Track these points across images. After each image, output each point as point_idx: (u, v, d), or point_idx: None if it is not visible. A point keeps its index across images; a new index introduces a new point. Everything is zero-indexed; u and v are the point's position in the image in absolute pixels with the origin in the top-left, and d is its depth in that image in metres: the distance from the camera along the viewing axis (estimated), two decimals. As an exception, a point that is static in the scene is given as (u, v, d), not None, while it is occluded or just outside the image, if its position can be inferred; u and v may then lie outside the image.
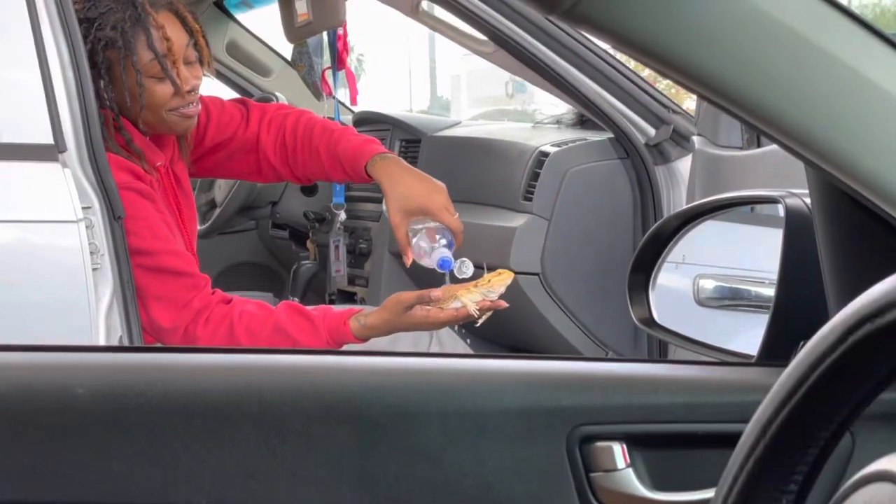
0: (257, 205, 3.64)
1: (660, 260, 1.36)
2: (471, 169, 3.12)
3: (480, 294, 2.00)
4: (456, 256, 2.10)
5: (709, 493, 1.13)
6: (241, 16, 3.96)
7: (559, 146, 2.93)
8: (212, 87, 3.95)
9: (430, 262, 2.08)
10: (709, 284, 1.51)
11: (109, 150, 2.12)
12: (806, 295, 1.12)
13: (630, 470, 1.16)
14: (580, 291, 2.90)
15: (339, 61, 3.42)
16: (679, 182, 2.83)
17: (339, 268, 3.34)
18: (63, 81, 2.10)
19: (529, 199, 2.89)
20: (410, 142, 3.39)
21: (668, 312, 1.37)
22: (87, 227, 2.07)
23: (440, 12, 3.08)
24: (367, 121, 3.59)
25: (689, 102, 3.16)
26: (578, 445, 1.16)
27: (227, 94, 3.81)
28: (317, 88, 3.57)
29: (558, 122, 3.22)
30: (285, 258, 3.87)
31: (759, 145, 2.41)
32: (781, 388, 0.68)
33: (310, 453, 1.18)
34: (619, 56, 2.81)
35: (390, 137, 3.43)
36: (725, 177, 2.47)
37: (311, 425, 1.18)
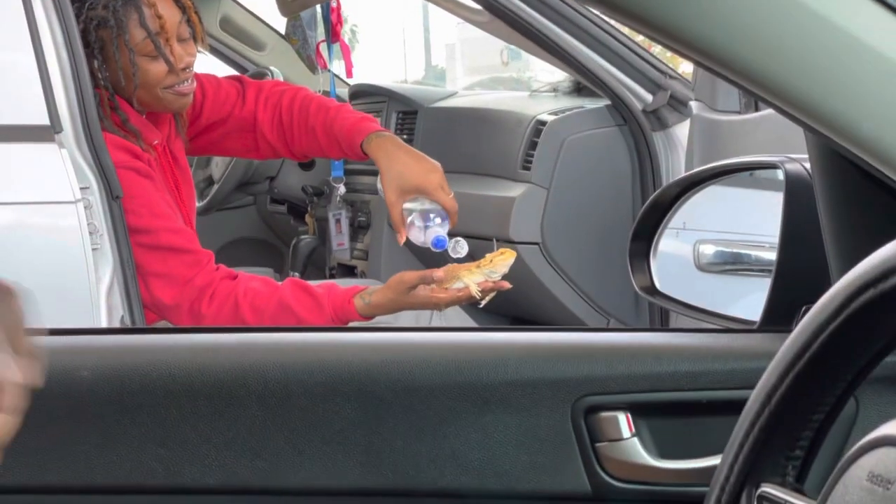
0: (255, 180, 3.63)
1: (660, 227, 1.36)
2: (468, 140, 3.11)
3: (483, 275, 2.00)
4: (455, 229, 2.10)
5: (714, 461, 1.13)
6: (233, -9, 3.93)
7: (556, 114, 2.93)
8: (206, 63, 3.92)
9: (424, 240, 2.08)
10: (709, 250, 1.51)
11: (106, 130, 2.11)
12: (807, 260, 1.12)
13: (635, 439, 1.17)
14: (581, 260, 2.90)
15: (333, 34, 3.40)
16: (677, 147, 2.82)
17: (341, 241, 3.33)
18: (57, 62, 2.10)
19: (528, 169, 2.89)
20: (407, 113, 3.37)
21: (670, 280, 1.36)
22: (85, 207, 2.07)
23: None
24: (364, 93, 3.57)
25: (686, 66, 3.14)
26: (583, 416, 1.17)
27: (221, 69, 3.80)
28: (311, 62, 3.56)
29: (555, 90, 3.21)
30: (284, 233, 3.87)
31: (757, 109, 2.41)
32: (785, 355, 0.68)
33: (315, 430, 1.18)
34: (614, 22, 2.80)
35: (386, 110, 3.41)
36: (724, 141, 2.46)
37: (316, 402, 1.19)
